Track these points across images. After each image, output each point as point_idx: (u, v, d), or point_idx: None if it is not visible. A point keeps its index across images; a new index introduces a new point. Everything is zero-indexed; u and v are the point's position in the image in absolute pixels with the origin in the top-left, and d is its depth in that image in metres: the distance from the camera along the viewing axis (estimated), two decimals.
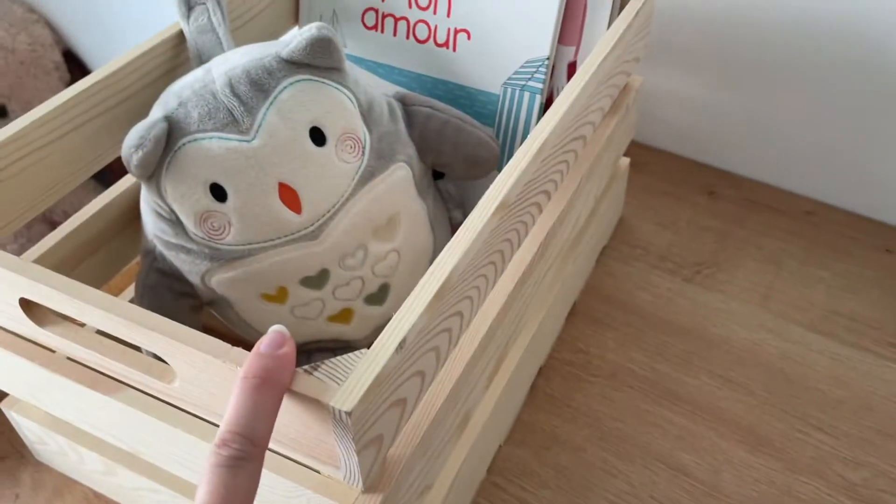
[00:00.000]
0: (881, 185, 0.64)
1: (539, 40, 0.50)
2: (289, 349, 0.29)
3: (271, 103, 0.41)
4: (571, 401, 0.53)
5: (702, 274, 0.62)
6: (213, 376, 0.31)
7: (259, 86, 0.41)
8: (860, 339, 0.57)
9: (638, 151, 0.71)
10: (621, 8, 0.50)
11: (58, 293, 0.33)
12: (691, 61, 0.67)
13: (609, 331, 0.58)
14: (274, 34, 0.55)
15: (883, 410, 0.52)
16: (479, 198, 0.37)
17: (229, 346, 0.30)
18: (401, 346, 0.30)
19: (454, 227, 0.51)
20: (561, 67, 0.51)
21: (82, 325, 0.37)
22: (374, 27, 0.54)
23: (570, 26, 0.50)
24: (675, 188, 0.70)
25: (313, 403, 0.28)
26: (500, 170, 0.43)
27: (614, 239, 0.65)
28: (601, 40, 0.47)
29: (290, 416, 0.30)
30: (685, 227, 0.66)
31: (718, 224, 0.66)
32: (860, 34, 0.58)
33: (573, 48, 0.51)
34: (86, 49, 1.09)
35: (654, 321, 0.59)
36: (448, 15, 0.52)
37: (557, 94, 0.51)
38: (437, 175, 0.50)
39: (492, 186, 0.37)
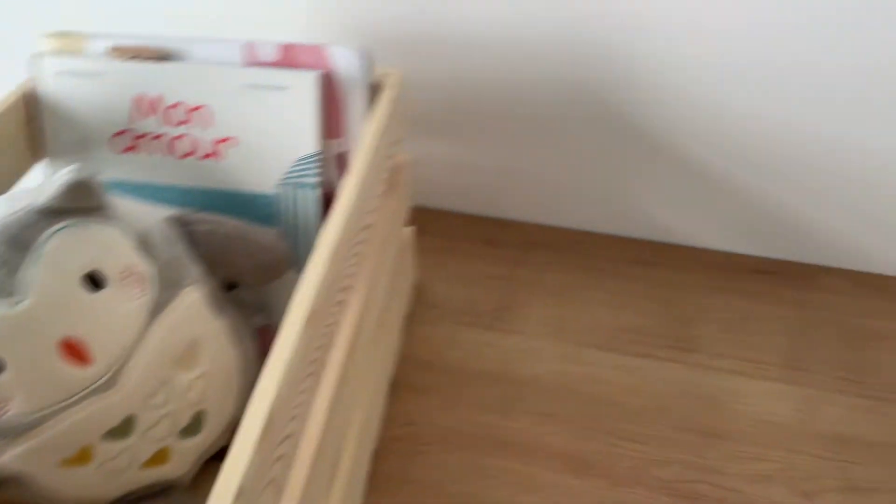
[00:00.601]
0: (626, 208, 0.73)
1: (305, 139, 0.51)
2: None
3: (36, 259, 0.38)
4: (410, 476, 0.54)
5: (500, 320, 0.66)
6: None
7: (17, 243, 0.38)
8: (643, 349, 0.63)
9: (419, 215, 0.75)
10: (375, 96, 0.53)
11: None
12: (450, 128, 0.72)
13: (431, 396, 0.60)
14: (16, 175, 0.51)
15: (675, 408, 0.59)
16: (277, 296, 0.36)
17: None
18: (239, 495, 0.29)
19: (261, 332, 0.50)
20: (331, 159, 0.53)
21: None
22: (130, 149, 0.52)
23: (331, 122, 0.52)
24: (458, 244, 0.74)
25: None
26: (296, 267, 0.44)
27: (414, 304, 0.67)
28: (362, 134, 0.49)
29: None
30: (475, 278, 0.70)
31: (502, 270, 0.71)
32: (588, 85, 0.66)
33: (339, 140, 0.53)
34: None
35: (468, 375, 0.61)
36: (210, 126, 0.51)
37: (333, 184, 0.53)
38: (231, 286, 0.49)
39: (294, 301, 0.37)
